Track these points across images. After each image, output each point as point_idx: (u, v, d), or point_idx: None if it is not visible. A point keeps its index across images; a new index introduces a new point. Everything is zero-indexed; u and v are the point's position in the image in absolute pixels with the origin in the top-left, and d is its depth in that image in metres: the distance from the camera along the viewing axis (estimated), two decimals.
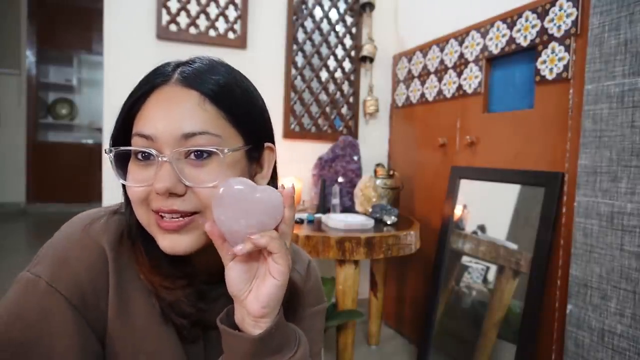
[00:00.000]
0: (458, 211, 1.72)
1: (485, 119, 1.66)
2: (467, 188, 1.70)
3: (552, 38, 1.38)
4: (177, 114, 0.49)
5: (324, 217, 1.73)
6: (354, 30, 2.23)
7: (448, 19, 1.89)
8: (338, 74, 2.24)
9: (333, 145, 2.09)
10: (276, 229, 0.47)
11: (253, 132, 0.55)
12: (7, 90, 4.66)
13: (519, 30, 1.50)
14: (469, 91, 1.73)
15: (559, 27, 1.35)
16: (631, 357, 1.03)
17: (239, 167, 0.52)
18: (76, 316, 0.49)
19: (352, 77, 2.25)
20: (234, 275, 0.47)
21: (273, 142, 0.59)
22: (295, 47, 2.12)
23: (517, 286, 1.41)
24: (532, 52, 1.47)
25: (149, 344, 0.53)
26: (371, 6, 2.19)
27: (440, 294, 1.71)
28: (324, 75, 2.22)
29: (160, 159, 0.48)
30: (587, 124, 1.15)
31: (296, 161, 2.14)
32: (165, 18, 1.89)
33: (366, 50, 2.18)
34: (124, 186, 0.54)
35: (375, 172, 2.01)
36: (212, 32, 1.96)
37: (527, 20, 1.47)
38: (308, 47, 2.16)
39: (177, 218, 0.49)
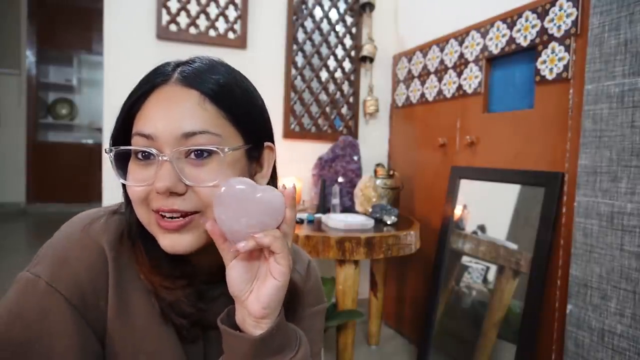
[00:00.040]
0: (458, 211, 1.72)
1: (485, 119, 1.66)
2: (467, 188, 1.70)
3: (552, 38, 1.38)
4: (177, 114, 0.49)
5: (324, 217, 1.73)
6: (354, 30, 2.23)
7: (448, 19, 1.89)
8: (338, 74, 2.24)
9: (333, 145, 2.09)
10: (278, 229, 0.47)
11: (253, 132, 0.55)
12: (7, 90, 4.66)
13: (519, 30, 1.50)
14: (469, 91, 1.73)
15: (559, 27, 1.35)
16: (631, 357, 1.03)
17: (239, 166, 0.52)
18: (76, 316, 0.49)
19: (352, 77, 2.25)
20: (235, 275, 0.47)
21: (273, 142, 0.59)
22: (295, 47, 2.12)
23: (517, 286, 1.41)
24: (532, 52, 1.47)
25: (148, 343, 0.52)
26: (371, 6, 2.19)
27: (440, 294, 1.71)
28: (324, 75, 2.22)
29: (160, 158, 0.48)
30: (587, 124, 1.15)
31: (296, 161, 2.14)
32: (165, 18, 1.89)
33: (366, 50, 2.18)
34: (124, 186, 0.54)
35: (375, 172, 2.01)
36: (212, 32, 1.96)
37: (527, 20, 1.47)
38: (308, 47, 2.16)
39: (178, 218, 0.49)
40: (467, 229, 1.66)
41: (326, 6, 2.16)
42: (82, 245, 0.51)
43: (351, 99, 2.26)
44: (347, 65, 2.24)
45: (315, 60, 2.19)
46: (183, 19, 1.92)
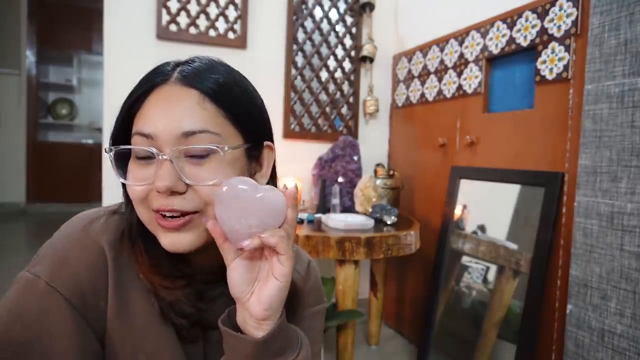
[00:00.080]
0: (458, 211, 1.72)
1: (485, 119, 1.66)
2: (467, 188, 1.70)
3: (552, 38, 1.38)
4: (176, 113, 0.49)
5: (324, 217, 1.73)
6: (354, 30, 2.23)
7: (448, 19, 1.89)
8: (338, 74, 2.24)
9: (333, 145, 2.09)
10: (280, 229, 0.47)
11: (252, 131, 0.55)
12: (7, 90, 4.66)
13: (519, 30, 1.50)
14: (469, 91, 1.73)
15: (559, 27, 1.35)
16: (631, 357, 1.03)
17: (238, 165, 0.52)
18: (75, 316, 0.49)
19: (352, 77, 2.25)
20: (236, 276, 0.47)
21: (272, 142, 0.59)
22: (295, 47, 2.12)
23: (517, 286, 1.41)
24: (532, 52, 1.47)
25: (148, 343, 0.52)
26: (371, 6, 2.19)
27: (440, 294, 1.71)
28: (324, 75, 2.22)
29: (160, 157, 0.48)
30: (587, 124, 1.15)
31: (296, 161, 2.14)
32: (165, 18, 1.89)
33: (366, 50, 2.18)
34: (124, 185, 0.54)
35: (375, 172, 2.01)
36: (212, 32, 1.96)
37: (527, 20, 1.47)
38: (308, 47, 2.16)
39: (178, 217, 0.49)
40: (467, 229, 1.66)
41: (326, 6, 2.16)
42: (82, 245, 0.51)
43: (351, 99, 2.26)
44: (347, 65, 2.24)
45: (315, 60, 2.19)
46: (183, 19, 1.92)
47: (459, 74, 1.79)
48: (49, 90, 5.12)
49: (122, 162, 0.53)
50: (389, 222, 1.71)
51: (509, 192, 1.51)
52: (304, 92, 2.17)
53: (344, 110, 2.26)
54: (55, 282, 0.48)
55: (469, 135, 1.71)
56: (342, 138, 2.07)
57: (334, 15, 2.19)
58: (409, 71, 2.14)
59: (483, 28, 1.66)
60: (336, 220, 1.60)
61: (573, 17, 1.31)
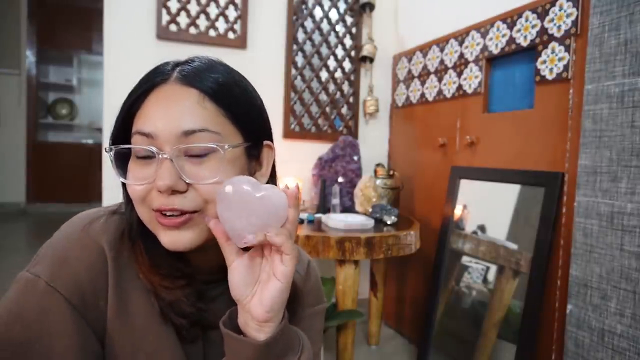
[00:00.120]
0: (458, 211, 1.72)
1: (485, 119, 1.66)
2: (467, 188, 1.70)
3: (552, 38, 1.38)
4: (176, 112, 0.49)
5: (324, 217, 1.73)
6: (354, 30, 2.23)
7: (448, 19, 1.89)
8: (338, 74, 2.24)
9: (333, 145, 2.09)
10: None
11: (252, 130, 0.55)
12: (7, 90, 4.66)
13: (519, 30, 1.50)
14: (469, 91, 1.73)
15: (559, 27, 1.35)
16: (631, 357, 1.03)
17: (238, 164, 0.52)
18: (75, 316, 0.49)
19: (352, 77, 2.25)
20: (237, 278, 0.47)
21: (272, 141, 0.59)
22: (295, 47, 2.12)
23: (517, 286, 1.41)
24: (532, 52, 1.47)
25: (148, 343, 0.52)
26: (371, 6, 2.19)
27: (440, 294, 1.71)
28: (324, 75, 2.21)
29: (160, 156, 0.48)
30: (587, 124, 1.15)
31: (296, 161, 2.14)
32: (165, 18, 1.89)
33: (366, 50, 2.18)
34: (124, 185, 0.54)
35: (375, 172, 2.01)
36: (212, 32, 1.96)
37: (527, 20, 1.47)
38: (308, 47, 2.16)
39: (178, 215, 0.49)
40: (467, 229, 1.66)
41: (326, 6, 2.16)
42: (82, 245, 0.51)
43: (351, 99, 2.26)
44: (347, 65, 2.24)
45: (315, 60, 2.19)
46: (183, 19, 1.92)
47: (459, 74, 1.79)
48: (49, 90, 5.12)
49: (122, 161, 0.53)
50: (389, 222, 1.71)
51: (509, 192, 1.51)
52: (304, 92, 2.17)
53: (344, 110, 2.26)
54: (55, 282, 0.48)
55: (469, 135, 1.71)
56: (342, 138, 2.07)
57: (334, 15, 2.19)
58: (409, 71, 2.14)
59: (483, 28, 1.66)
60: (336, 220, 1.60)
61: (573, 17, 1.31)
